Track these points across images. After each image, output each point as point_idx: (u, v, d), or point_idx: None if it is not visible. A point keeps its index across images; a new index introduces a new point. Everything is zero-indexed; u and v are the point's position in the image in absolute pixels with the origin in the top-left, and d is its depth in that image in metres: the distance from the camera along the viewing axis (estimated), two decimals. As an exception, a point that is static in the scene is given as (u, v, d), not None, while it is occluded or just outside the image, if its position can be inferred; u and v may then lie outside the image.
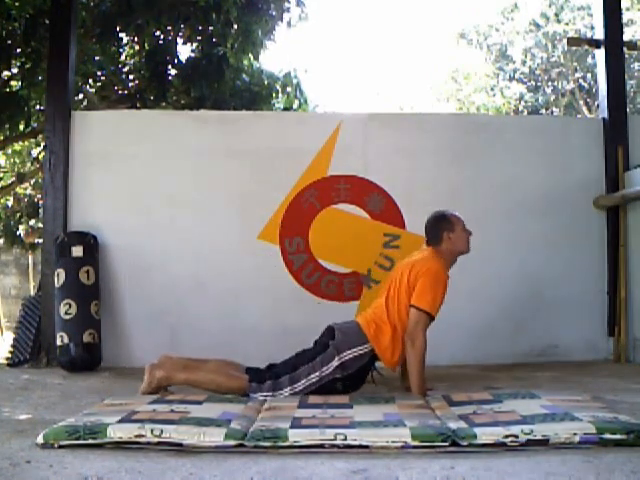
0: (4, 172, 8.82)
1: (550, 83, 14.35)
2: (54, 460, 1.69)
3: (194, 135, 4.16)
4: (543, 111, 14.22)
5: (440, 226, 2.95)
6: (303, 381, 2.70)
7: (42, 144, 6.83)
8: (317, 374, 2.71)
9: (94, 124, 4.16)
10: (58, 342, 3.71)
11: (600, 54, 4.42)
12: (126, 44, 6.67)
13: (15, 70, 6.00)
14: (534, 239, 4.17)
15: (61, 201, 4.01)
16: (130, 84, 6.75)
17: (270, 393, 2.66)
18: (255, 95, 6.53)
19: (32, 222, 8.41)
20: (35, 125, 6.48)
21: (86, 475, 1.56)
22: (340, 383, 2.75)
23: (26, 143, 8.07)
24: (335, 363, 2.73)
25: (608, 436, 1.79)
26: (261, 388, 2.68)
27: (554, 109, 14.32)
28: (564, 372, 3.55)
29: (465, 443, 1.79)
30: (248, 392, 2.67)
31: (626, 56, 5.04)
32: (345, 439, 1.80)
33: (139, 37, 6.21)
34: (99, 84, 6.70)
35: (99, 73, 6.58)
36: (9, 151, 8.43)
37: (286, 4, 6.27)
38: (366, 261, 4.08)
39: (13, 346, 4.07)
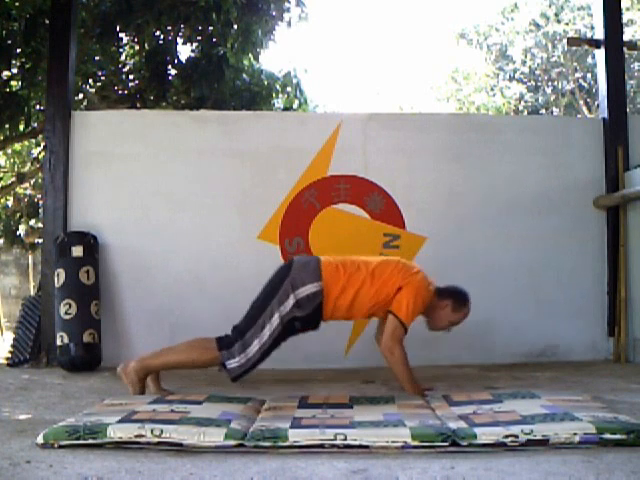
0: (4, 172, 8.82)
1: (550, 83, 14.36)
2: (54, 460, 1.69)
3: (194, 135, 4.16)
4: (543, 111, 14.23)
5: (457, 297, 2.90)
6: (267, 328, 2.68)
7: (42, 144, 6.83)
8: (277, 316, 2.69)
9: (94, 124, 4.16)
10: (58, 342, 3.72)
11: (600, 54, 4.42)
12: (126, 44, 6.68)
13: (15, 70, 5.99)
14: (534, 239, 4.17)
15: (61, 201, 4.01)
16: (130, 84, 6.75)
17: (242, 355, 2.65)
18: (255, 95, 6.53)
19: (32, 222, 8.41)
20: (35, 125, 6.48)
21: (86, 475, 1.56)
22: (298, 322, 2.73)
23: (26, 143, 8.07)
24: (291, 302, 2.69)
25: (608, 436, 1.79)
26: (232, 354, 2.67)
27: (554, 109, 14.32)
28: (564, 372, 3.55)
29: (465, 443, 1.79)
30: (222, 362, 2.67)
31: (626, 56, 5.04)
32: (345, 439, 1.80)
33: (139, 37, 6.21)
34: (99, 84, 6.70)
35: (99, 73, 6.58)
36: (9, 151, 8.44)
37: (286, 4, 6.27)
38: (366, 261, 4.08)
39: (13, 346, 4.07)
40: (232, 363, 2.66)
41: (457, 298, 2.91)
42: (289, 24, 6.36)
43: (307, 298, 2.71)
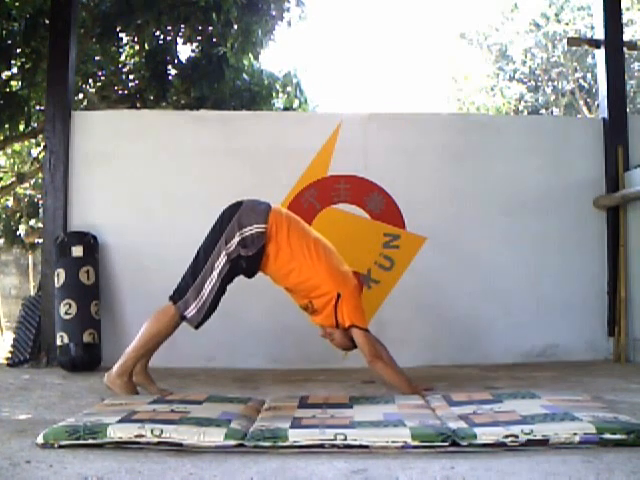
0: (4, 172, 8.83)
1: (550, 83, 14.37)
2: (54, 460, 1.69)
3: (194, 135, 4.16)
4: (543, 111, 14.24)
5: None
6: (216, 267, 2.68)
7: (42, 144, 6.84)
8: (224, 254, 2.68)
9: (94, 124, 4.16)
10: (58, 342, 3.72)
11: (600, 54, 4.42)
12: (126, 44, 6.68)
13: (15, 70, 6.00)
14: (534, 239, 4.17)
15: (61, 201, 4.01)
16: (130, 84, 6.76)
17: (198, 299, 2.66)
18: (255, 95, 6.53)
19: (32, 222, 8.42)
20: (35, 125, 6.48)
21: (86, 475, 1.56)
22: (243, 261, 2.72)
23: (26, 143, 8.08)
24: (237, 239, 2.69)
25: (608, 436, 1.79)
26: (187, 301, 2.67)
27: (554, 109, 14.33)
28: (564, 372, 3.55)
29: (465, 443, 1.79)
30: (182, 314, 2.68)
31: (626, 56, 5.04)
32: (345, 439, 1.80)
33: (139, 37, 6.22)
34: (99, 84, 6.71)
35: (99, 73, 6.59)
36: (9, 151, 8.44)
37: (286, 4, 6.28)
38: (366, 261, 4.08)
39: (13, 346, 4.07)
40: (190, 311, 2.67)
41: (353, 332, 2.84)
42: (289, 24, 6.37)
43: (251, 237, 2.70)
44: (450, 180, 4.19)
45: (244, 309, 4.00)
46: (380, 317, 3.93)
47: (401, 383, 2.76)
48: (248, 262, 2.74)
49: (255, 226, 2.71)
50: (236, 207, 2.78)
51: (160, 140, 4.15)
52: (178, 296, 2.72)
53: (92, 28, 5.79)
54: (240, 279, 4.06)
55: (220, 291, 2.73)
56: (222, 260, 2.69)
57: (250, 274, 2.84)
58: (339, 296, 2.75)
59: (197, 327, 2.73)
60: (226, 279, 2.73)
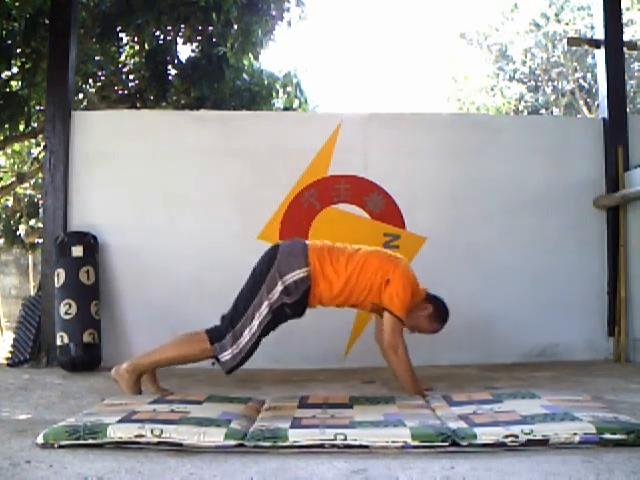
0: (4, 172, 8.83)
1: (550, 83, 14.36)
2: (54, 460, 1.69)
3: (194, 135, 4.16)
4: (543, 111, 14.24)
5: (438, 306, 2.90)
6: (257, 317, 2.66)
7: (42, 144, 6.84)
8: (266, 304, 2.67)
9: (94, 124, 4.16)
10: (58, 342, 3.71)
11: (600, 54, 4.42)
12: (126, 44, 6.68)
13: (15, 70, 6.00)
14: (534, 239, 4.17)
15: (61, 201, 4.01)
16: (130, 84, 6.76)
17: (235, 347, 2.64)
18: (255, 95, 6.53)
19: (32, 222, 8.42)
20: (35, 125, 6.48)
21: (86, 475, 1.56)
22: (288, 308, 2.71)
23: (26, 143, 8.08)
24: (279, 288, 2.67)
25: (608, 436, 1.79)
26: (224, 346, 2.66)
27: (554, 109, 14.33)
28: (564, 372, 3.55)
29: (465, 443, 1.79)
30: (215, 355, 2.67)
31: (626, 56, 5.04)
32: (345, 439, 1.80)
33: (139, 37, 6.22)
34: (99, 84, 6.71)
35: (99, 73, 6.59)
36: (9, 151, 8.44)
37: (286, 4, 6.28)
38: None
39: (13, 346, 4.07)
40: (225, 355, 2.65)
41: (439, 310, 2.90)
42: (289, 24, 6.37)
43: (295, 284, 2.69)
44: (450, 180, 4.19)
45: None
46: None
47: (407, 381, 2.74)
48: (293, 307, 2.73)
49: (297, 271, 2.70)
50: (273, 253, 2.77)
51: (160, 140, 4.15)
52: (216, 337, 2.69)
53: (92, 28, 5.79)
54: (240, 279, 4.06)
55: (258, 340, 2.70)
56: (264, 310, 2.68)
57: (298, 316, 2.82)
58: (388, 281, 2.74)
59: (228, 372, 2.70)
60: (267, 328, 2.71)
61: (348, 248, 2.86)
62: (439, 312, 2.90)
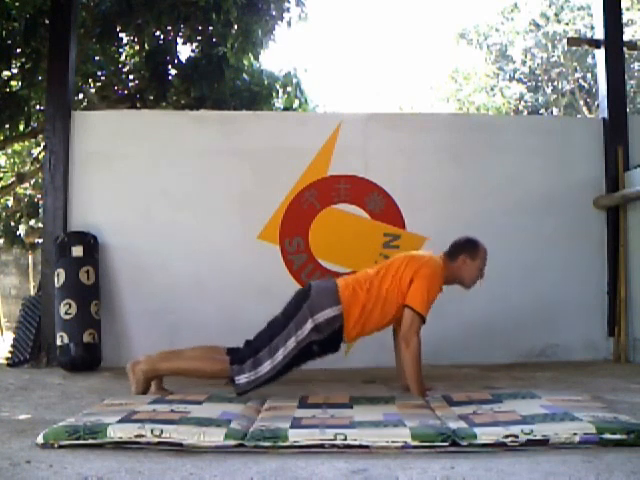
0: (4, 172, 8.82)
1: (550, 83, 14.36)
2: (54, 460, 1.69)
3: (194, 135, 4.16)
4: (543, 111, 14.24)
5: (466, 247, 2.92)
6: (281, 350, 2.66)
7: (42, 144, 6.83)
8: (293, 339, 2.66)
9: (94, 124, 4.16)
10: (58, 342, 3.71)
11: (600, 54, 4.42)
12: (126, 44, 6.68)
13: (15, 70, 5.99)
14: (534, 239, 4.17)
15: (61, 201, 4.01)
16: (130, 84, 6.75)
17: (253, 373, 2.64)
18: (255, 95, 6.52)
19: (32, 222, 8.41)
20: (35, 125, 6.48)
21: (86, 475, 1.56)
22: (316, 346, 2.71)
23: (26, 143, 8.07)
24: (309, 326, 2.67)
25: (608, 436, 1.79)
26: (242, 369, 2.65)
27: (554, 109, 14.32)
28: (564, 372, 3.55)
29: (465, 443, 1.79)
30: (231, 376, 2.66)
31: (626, 56, 5.04)
32: (345, 439, 1.80)
33: (139, 37, 6.21)
34: (99, 84, 6.70)
35: (99, 73, 6.58)
36: (9, 151, 8.44)
37: (286, 4, 6.27)
38: (366, 261, 4.05)
39: (13, 346, 4.07)
40: (241, 379, 2.65)
41: (467, 247, 2.92)
42: (289, 24, 6.36)
43: (326, 322, 2.71)
44: (450, 180, 4.19)
45: (244, 309, 4.00)
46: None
47: (413, 379, 2.74)
48: (323, 345, 2.73)
49: (328, 310, 2.70)
50: (306, 293, 2.78)
51: (160, 140, 4.15)
52: (237, 360, 2.68)
53: (92, 28, 5.78)
54: (240, 279, 4.05)
55: (280, 372, 2.69)
56: (290, 345, 2.67)
57: (332, 351, 2.82)
58: (412, 280, 2.76)
59: (239, 394, 2.67)
60: (291, 363, 2.69)
61: (372, 274, 2.86)
62: (469, 248, 2.91)
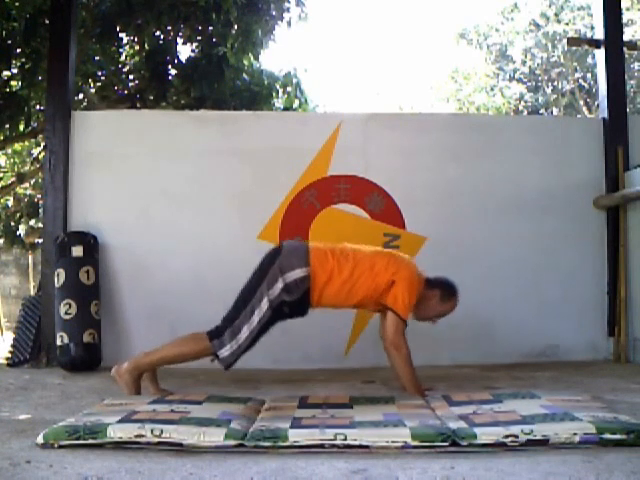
0: (4, 172, 8.82)
1: (550, 83, 14.36)
2: (54, 460, 1.69)
3: (194, 135, 4.16)
4: (543, 111, 14.23)
5: (446, 288, 2.90)
6: (257, 313, 2.67)
7: (42, 144, 6.83)
8: (266, 300, 2.67)
9: (94, 124, 4.16)
10: (58, 342, 3.71)
11: (600, 54, 4.42)
12: (126, 44, 6.68)
13: (15, 70, 5.99)
14: (534, 239, 4.17)
15: (61, 201, 4.01)
16: (130, 84, 6.75)
17: (233, 342, 2.65)
18: (255, 95, 6.52)
19: (32, 222, 8.41)
20: (35, 125, 6.48)
21: (86, 475, 1.56)
22: (287, 307, 2.72)
23: (26, 143, 8.07)
24: (280, 285, 2.68)
25: (608, 436, 1.79)
26: (223, 342, 2.66)
27: (554, 109, 14.32)
28: (564, 372, 3.55)
29: (465, 443, 1.79)
30: (215, 352, 2.67)
31: (626, 56, 5.04)
32: (345, 439, 1.80)
33: (139, 37, 6.21)
34: (99, 84, 6.70)
35: (99, 73, 6.58)
36: (9, 151, 8.44)
37: (286, 4, 6.27)
38: (366, 261, 4.08)
39: (13, 346, 4.07)
40: (224, 352, 2.66)
41: (446, 289, 2.91)
42: (289, 24, 6.36)
43: (295, 283, 2.70)
44: (450, 180, 4.19)
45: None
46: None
47: (408, 381, 2.75)
48: (293, 306, 2.74)
49: (298, 270, 2.71)
50: (276, 252, 2.79)
51: (160, 140, 4.15)
52: (216, 334, 2.70)
53: (92, 28, 5.78)
54: (240, 279, 4.05)
55: (257, 336, 2.71)
56: (264, 306, 2.68)
57: (299, 315, 2.83)
58: (393, 282, 2.75)
59: (227, 368, 2.70)
60: (267, 325, 2.71)
61: (353, 248, 2.86)
62: (447, 291, 2.90)
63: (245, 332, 2.66)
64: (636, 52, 11.78)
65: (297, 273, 2.70)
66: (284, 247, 2.83)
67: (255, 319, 2.67)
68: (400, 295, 2.73)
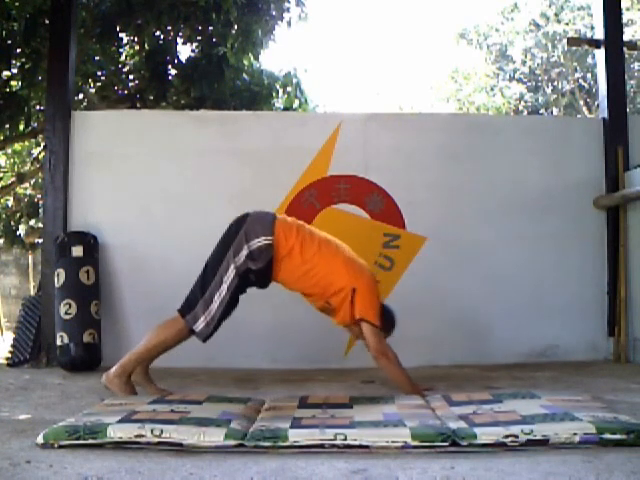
0: (4, 172, 8.82)
1: (550, 83, 14.36)
2: (54, 460, 1.69)
3: (194, 135, 4.16)
4: (543, 111, 14.24)
5: (389, 322, 2.88)
6: (225, 281, 2.68)
7: (42, 144, 6.83)
8: (232, 267, 2.68)
9: (94, 124, 4.16)
10: (58, 342, 3.71)
11: (600, 54, 4.42)
12: (126, 44, 6.68)
13: (15, 70, 5.99)
14: (534, 239, 4.17)
15: (61, 201, 4.01)
16: (130, 84, 6.75)
17: (207, 313, 2.66)
18: (255, 95, 6.52)
19: (32, 222, 8.41)
20: (35, 125, 6.48)
21: (86, 475, 1.56)
22: (253, 274, 2.73)
23: (26, 143, 8.07)
24: (245, 252, 2.69)
25: (608, 436, 1.79)
26: (196, 315, 2.67)
27: (554, 109, 14.32)
28: (564, 372, 3.55)
29: (465, 443, 1.79)
30: (191, 328, 2.68)
31: (626, 56, 5.04)
32: (345, 439, 1.80)
33: (139, 37, 6.21)
34: (99, 84, 6.70)
35: (99, 73, 6.58)
36: (9, 151, 8.44)
37: (286, 4, 6.27)
38: (366, 261, 4.06)
39: (13, 346, 4.07)
40: (199, 325, 2.67)
41: (387, 321, 2.86)
42: (289, 24, 6.36)
43: (259, 251, 2.70)
44: (450, 180, 4.19)
45: (244, 309, 3.98)
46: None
47: (403, 382, 2.76)
48: (258, 275, 2.74)
49: (262, 238, 2.71)
50: (242, 220, 2.79)
51: (160, 140, 4.15)
52: (187, 309, 2.71)
53: (92, 28, 5.78)
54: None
55: (230, 304, 2.72)
56: (231, 274, 2.69)
57: (262, 285, 2.84)
58: (354, 291, 2.73)
59: (205, 340, 2.72)
60: (236, 292, 2.72)
61: (320, 234, 2.86)
62: (387, 323, 2.87)
63: (216, 301, 2.67)
64: (636, 52, 11.78)
65: (261, 241, 2.71)
66: (250, 215, 2.81)
67: (224, 287, 2.68)
68: (369, 304, 2.74)
